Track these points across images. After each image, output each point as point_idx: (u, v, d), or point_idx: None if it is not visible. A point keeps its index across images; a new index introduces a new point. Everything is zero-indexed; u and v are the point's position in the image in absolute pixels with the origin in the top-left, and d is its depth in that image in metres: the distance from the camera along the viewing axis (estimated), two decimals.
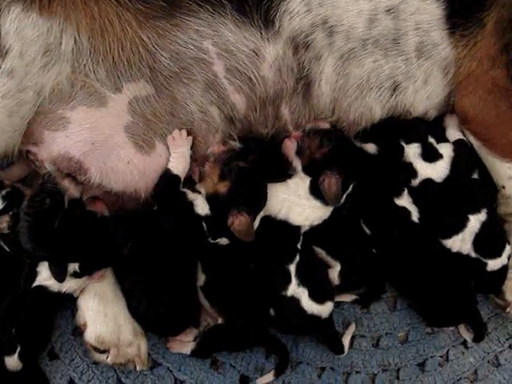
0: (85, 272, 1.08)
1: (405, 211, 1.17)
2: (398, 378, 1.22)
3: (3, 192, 1.13)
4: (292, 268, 1.12)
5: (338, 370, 1.21)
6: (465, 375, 1.24)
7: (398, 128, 1.23)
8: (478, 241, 1.17)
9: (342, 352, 1.18)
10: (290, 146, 1.18)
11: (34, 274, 1.09)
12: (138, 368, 1.13)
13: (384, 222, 1.18)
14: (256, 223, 1.11)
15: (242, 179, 1.12)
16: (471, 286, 1.19)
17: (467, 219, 1.17)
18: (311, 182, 1.15)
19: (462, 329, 1.24)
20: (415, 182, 1.21)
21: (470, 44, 1.20)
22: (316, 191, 1.14)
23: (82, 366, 1.14)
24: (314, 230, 1.16)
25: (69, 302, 1.14)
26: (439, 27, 1.19)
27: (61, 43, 1.02)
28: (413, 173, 1.21)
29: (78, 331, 1.13)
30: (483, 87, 1.20)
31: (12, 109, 1.00)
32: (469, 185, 1.23)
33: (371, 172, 1.19)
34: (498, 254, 1.18)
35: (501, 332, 1.28)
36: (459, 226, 1.17)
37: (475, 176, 1.26)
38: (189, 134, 1.13)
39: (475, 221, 1.17)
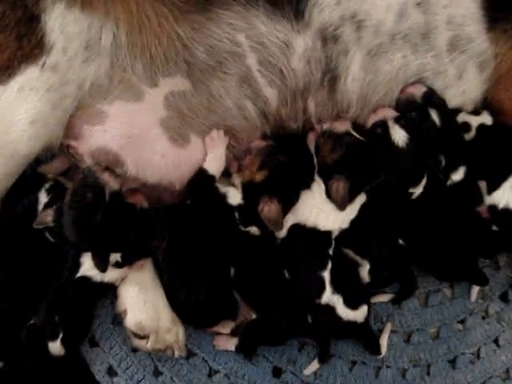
0: (126, 262, 1.02)
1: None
2: (428, 373, 1.12)
3: (47, 186, 1.08)
4: (326, 275, 1.02)
5: (369, 364, 1.11)
6: (496, 373, 1.13)
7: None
8: None
9: (379, 353, 1.08)
10: (311, 141, 1.08)
11: (77, 265, 1.03)
12: (176, 354, 1.06)
13: None
14: (284, 232, 1.04)
15: (280, 171, 1.04)
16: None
17: None
18: (325, 185, 1.05)
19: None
20: (471, 135, 1.12)
21: None
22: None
23: (121, 354, 1.08)
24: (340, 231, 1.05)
25: (108, 293, 1.07)
26: (475, 21, 1.06)
27: (100, 38, 0.95)
28: (467, 127, 1.12)
29: (118, 320, 1.07)
30: None
31: (55, 102, 0.94)
32: None
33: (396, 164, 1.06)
34: None
35: None
36: (509, 166, 1.05)
37: None
38: (226, 132, 1.04)
39: None
